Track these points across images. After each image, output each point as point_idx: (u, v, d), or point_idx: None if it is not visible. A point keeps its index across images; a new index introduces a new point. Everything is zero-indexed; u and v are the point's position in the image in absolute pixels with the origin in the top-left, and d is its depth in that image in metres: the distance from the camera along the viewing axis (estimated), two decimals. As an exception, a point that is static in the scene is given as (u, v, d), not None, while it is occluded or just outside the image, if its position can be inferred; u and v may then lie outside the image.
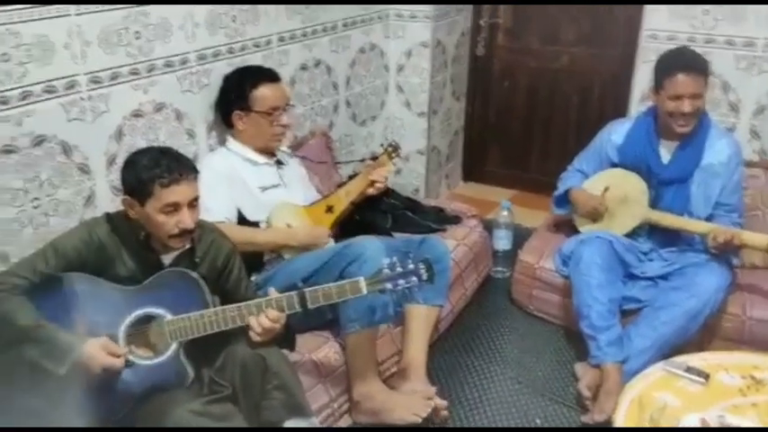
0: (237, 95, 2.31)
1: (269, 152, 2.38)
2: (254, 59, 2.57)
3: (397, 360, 2.34)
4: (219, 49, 2.43)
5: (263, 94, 2.30)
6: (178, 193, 1.68)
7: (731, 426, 1.61)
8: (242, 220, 2.24)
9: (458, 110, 3.98)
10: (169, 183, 1.66)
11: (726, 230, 2.30)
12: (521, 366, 2.49)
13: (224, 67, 2.43)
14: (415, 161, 3.69)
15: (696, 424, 1.60)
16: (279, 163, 2.43)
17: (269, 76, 2.35)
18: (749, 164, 2.78)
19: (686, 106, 2.32)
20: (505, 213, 3.08)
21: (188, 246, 1.79)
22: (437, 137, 3.76)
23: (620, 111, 3.18)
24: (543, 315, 2.77)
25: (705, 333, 2.37)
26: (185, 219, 1.69)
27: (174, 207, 1.68)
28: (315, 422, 1.84)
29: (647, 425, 1.60)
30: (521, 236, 3.06)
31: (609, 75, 3.59)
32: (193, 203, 1.72)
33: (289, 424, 1.75)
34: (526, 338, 2.66)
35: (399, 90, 3.57)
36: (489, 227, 3.10)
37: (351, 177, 2.66)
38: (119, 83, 2.09)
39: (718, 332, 2.41)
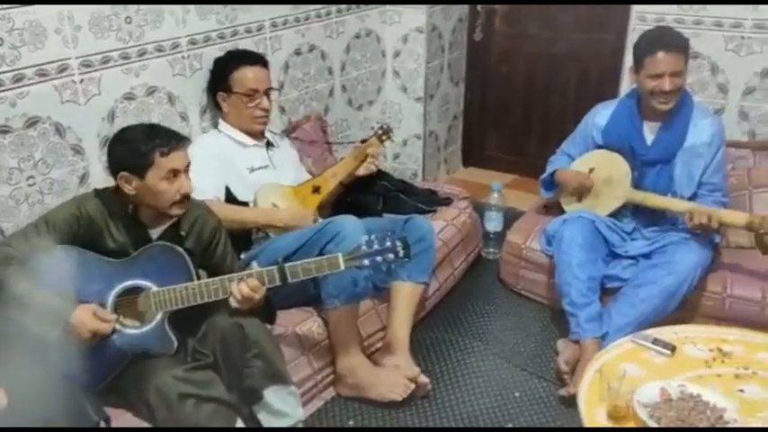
0: (220, 77, 2.40)
1: (255, 134, 2.45)
2: (246, 45, 2.65)
3: (383, 336, 2.41)
4: (210, 35, 2.50)
5: (243, 75, 2.37)
6: (177, 159, 1.80)
7: (692, 394, 1.65)
8: (231, 200, 2.32)
9: (456, 95, 4.03)
10: (169, 151, 1.78)
11: (703, 210, 2.33)
12: (504, 343, 2.55)
13: (216, 52, 2.51)
14: (413, 146, 3.75)
15: (655, 392, 1.65)
16: (269, 145, 2.50)
17: (250, 58, 2.41)
18: (738, 144, 2.81)
19: (667, 84, 2.34)
20: (496, 196, 3.14)
21: (175, 219, 1.87)
22: (434, 122, 3.81)
23: (617, 94, 3.21)
24: (530, 294, 2.82)
25: (686, 311, 2.41)
26: (185, 184, 1.82)
27: (175, 173, 1.79)
28: (294, 390, 1.92)
29: (606, 394, 1.65)
30: (514, 219, 3.10)
31: (606, 59, 3.61)
32: (188, 170, 1.84)
33: (268, 391, 1.84)
34: (512, 317, 2.72)
35: (396, 75, 3.63)
36: (481, 211, 3.16)
37: (345, 160, 2.72)
38: (110, 67, 2.17)
39: (699, 310, 2.45)
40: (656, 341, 1.90)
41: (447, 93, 3.88)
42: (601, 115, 2.65)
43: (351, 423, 2.15)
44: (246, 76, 2.38)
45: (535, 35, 3.84)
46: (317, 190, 2.44)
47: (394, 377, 2.22)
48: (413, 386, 2.20)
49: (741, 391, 1.72)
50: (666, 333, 1.97)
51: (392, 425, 2.14)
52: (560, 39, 3.76)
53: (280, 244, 2.19)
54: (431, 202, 2.95)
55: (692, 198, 2.48)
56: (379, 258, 1.86)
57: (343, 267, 1.85)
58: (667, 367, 1.82)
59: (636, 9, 2.99)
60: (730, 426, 1.55)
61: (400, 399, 2.18)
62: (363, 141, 2.57)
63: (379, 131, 2.59)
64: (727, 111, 2.91)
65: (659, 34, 2.44)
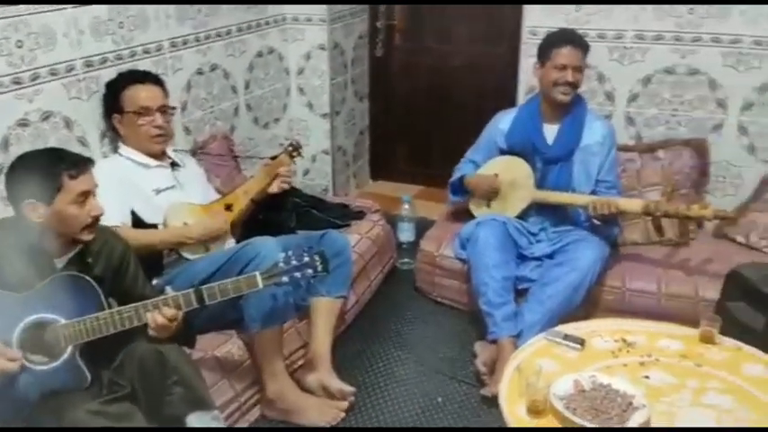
0: (112, 98, 2.34)
1: (156, 154, 2.38)
2: (145, 65, 2.58)
3: (304, 353, 2.41)
4: (107, 56, 2.43)
5: (133, 94, 2.31)
6: (86, 181, 1.75)
7: (603, 384, 1.75)
8: (138, 224, 2.25)
9: (361, 110, 4.08)
10: (78, 173, 1.72)
11: (604, 200, 2.50)
12: (424, 350, 2.61)
13: (114, 74, 2.43)
14: (322, 161, 3.77)
15: (570, 384, 1.74)
16: (174, 165, 2.44)
17: (140, 77, 2.36)
18: (626, 148, 3.01)
19: (570, 76, 2.54)
20: (407, 207, 3.21)
21: (81, 247, 1.80)
22: (341, 137, 3.85)
23: (513, 104, 3.35)
24: (446, 301, 2.90)
25: (589, 305, 2.55)
26: (95, 206, 1.76)
27: (85, 196, 1.73)
28: (218, 415, 1.87)
29: (525, 390, 1.73)
30: (426, 228, 3.17)
31: (501, 70, 3.77)
32: (95, 192, 1.79)
33: (191, 418, 1.78)
34: (430, 324, 2.78)
35: (301, 92, 3.64)
36: (393, 222, 3.22)
37: (254, 178, 2.70)
38: (1, 93, 2.06)
39: (601, 304, 2.60)
40: (566, 337, 2.00)
41: (352, 108, 3.93)
42: (503, 121, 2.79)
43: (277, 443, 2.13)
44: (137, 94, 2.32)
45: (433, 49, 3.97)
46: (229, 207, 2.41)
47: (324, 404, 2.25)
48: (342, 414, 2.23)
49: (646, 377, 1.84)
50: (575, 329, 2.08)
51: (319, 440, 2.15)
52: (457, 52, 3.91)
53: (195, 268, 2.15)
54: (344, 216, 2.98)
55: (591, 195, 2.64)
56: (297, 274, 1.86)
57: (261, 286, 1.83)
58: (579, 360, 1.92)
59: (527, 24, 3.14)
60: (640, 411, 1.65)
61: (329, 426, 2.20)
62: (274, 158, 2.56)
63: (290, 148, 2.60)
64: (615, 116, 3.11)
65: (566, 31, 2.67)
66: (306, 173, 3.77)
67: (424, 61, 4.01)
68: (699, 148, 2.96)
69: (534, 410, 1.70)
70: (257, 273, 1.83)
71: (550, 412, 1.69)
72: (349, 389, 2.26)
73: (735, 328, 2.10)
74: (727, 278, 2.38)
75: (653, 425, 1.65)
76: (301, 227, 2.79)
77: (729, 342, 2.00)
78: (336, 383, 2.27)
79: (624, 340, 2.01)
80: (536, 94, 2.74)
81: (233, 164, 3.02)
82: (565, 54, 2.54)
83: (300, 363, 2.40)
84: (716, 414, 1.70)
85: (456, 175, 2.87)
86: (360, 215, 3.04)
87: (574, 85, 2.57)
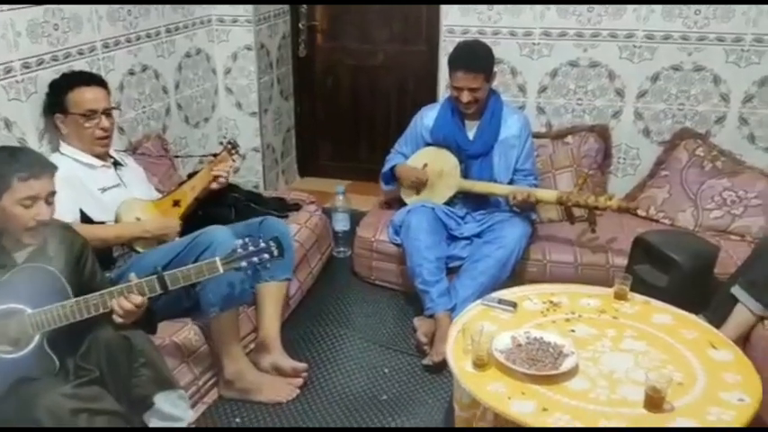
0: (56, 99, 2.36)
1: (100, 155, 2.42)
2: (80, 66, 2.61)
3: (255, 337, 2.52)
4: (43, 58, 2.45)
5: (79, 96, 2.34)
6: (37, 187, 1.75)
7: (536, 338, 1.97)
8: (87, 222, 2.29)
9: (287, 108, 4.20)
10: (28, 177, 1.73)
11: (522, 190, 2.74)
12: (367, 328, 2.78)
13: (51, 75, 2.45)
14: (252, 159, 3.86)
15: (508, 340, 1.95)
16: (117, 164, 2.49)
17: (85, 79, 2.40)
18: (539, 135, 3.28)
19: (464, 96, 2.77)
20: (341, 197, 3.36)
21: (40, 243, 1.84)
22: (270, 135, 3.96)
23: (433, 100, 3.57)
24: (384, 283, 3.08)
25: (516, 278, 2.78)
26: (42, 211, 1.76)
27: (32, 200, 1.74)
28: (183, 394, 1.97)
29: (470, 348, 1.92)
30: (358, 219, 3.33)
31: (421, 68, 3.99)
32: (50, 199, 1.79)
33: (158, 397, 1.87)
34: (370, 305, 2.95)
35: (229, 92, 3.72)
36: (328, 213, 3.36)
37: (190, 176, 2.77)
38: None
39: (526, 276, 2.85)
40: (501, 301, 2.22)
41: (279, 107, 4.05)
42: (428, 117, 3.00)
43: (238, 420, 2.24)
44: (83, 96, 2.35)
45: (355, 49, 4.14)
46: (177, 203, 2.49)
47: (279, 382, 2.37)
48: (298, 391, 2.36)
49: (572, 330, 2.08)
50: (508, 294, 2.30)
51: (277, 415, 2.26)
52: (378, 51, 4.10)
53: (150, 259, 2.21)
54: (282, 208, 3.10)
55: (510, 183, 2.89)
56: (255, 259, 1.97)
57: (222, 271, 1.93)
58: (513, 321, 2.13)
59: (444, 23, 3.37)
60: (569, 358, 1.88)
61: (285, 401, 2.32)
62: (215, 155, 2.65)
63: (228, 146, 2.69)
64: (528, 107, 3.39)
65: (461, 54, 2.81)
66: (236, 171, 3.84)
67: (346, 60, 4.18)
68: (602, 133, 3.28)
69: (479, 364, 1.90)
70: (217, 258, 1.94)
71: (494, 365, 1.89)
72: (301, 366, 2.39)
73: (642, 288, 2.39)
74: (633, 244, 2.68)
75: (581, 369, 1.88)
76: (241, 220, 2.87)
77: (639, 297, 2.27)
78: (289, 362, 2.40)
79: (551, 302, 2.25)
80: None
81: (168, 163, 3.08)
82: (460, 78, 2.75)
83: (251, 347, 2.51)
84: (633, 356, 1.95)
85: (387, 166, 3.06)
86: (296, 207, 3.16)
87: (471, 103, 2.79)
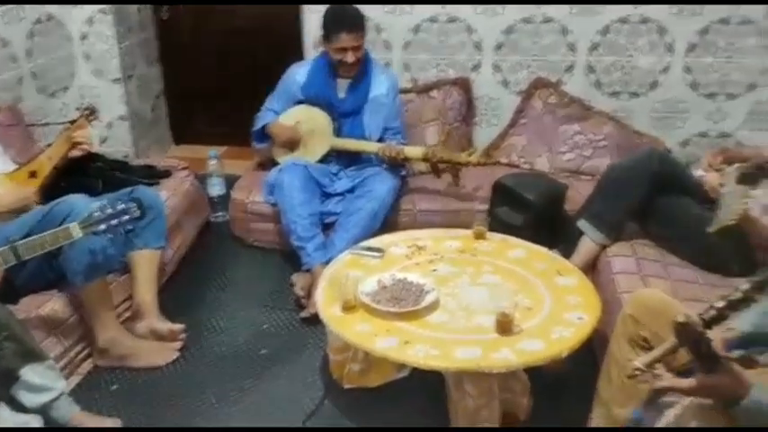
0: None
1: None
2: None
3: (130, 305, 2.49)
4: None
5: None
6: None
7: (400, 279, 2.09)
8: (-65, 197, 2.18)
9: (155, 74, 4.08)
10: None
11: (392, 148, 2.86)
12: (246, 287, 2.83)
13: None
14: (119, 128, 3.74)
15: (374, 284, 2.06)
16: (-35, 138, 2.37)
17: None
18: (405, 90, 3.39)
19: (350, 57, 2.84)
20: (214, 162, 3.34)
21: None
22: (137, 102, 3.84)
23: (299, 57, 3.58)
24: (263, 244, 3.11)
25: (388, 228, 2.89)
26: None
27: None
28: (52, 364, 1.95)
29: (339, 296, 2.01)
30: (233, 183, 3.31)
31: (285, 27, 3.93)
32: None
33: (25, 369, 1.85)
34: (250, 266, 2.99)
35: (87, 58, 3.57)
36: (202, 179, 3.33)
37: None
38: None
39: (398, 226, 2.95)
40: (369, 249, 2.32)
41: (145, 73, 3.92)
42: (299, 74, 3.03)
43: (115, 387, 2.23)
44: None
45: (218, 10, 4.04)
46: (33, 174, 2.40)
47: (158, 345, 2.37)
48: (177, 353, 2.37)
49: (435, 270, 2.22)
50: (376, 242, 2.41)
51: (157, 380, 2.28)
52: (242, 12, 4.02)
53: (6, 232, 2.12)
54: (151, 176, 3.04)
55: (380, 141, 2.99)
56: (114, 222, 1.96)
57: (80, 235, 1.91)
58: (381, 266, 2.25)
59: (306, -20, 3.38)
60: (430, 294, 2.01)
61: (164, 364, 2.33)
62: (72, 122, 2.56)
63: (86, 112, 2.62)
64: (394, 63, 3.48)
65: (344, 15, 2.86)
66: (104, 140, 3.72)
67: (210, 23, 4.09)
68: (464, 86, 3.44)
69: (347, 308, 1.99)
70: (74, 223, 1.91)
71: (361, 307, 2.00)
72: (178, 327, 2.41)
73: (502, 228, 2.57)
74: (493, 189, 2.86)
75: (441, 304, 2.02)
76: (108, 191, 2.79)
77: (497, 236, 2.45)
78: (165, 325, 2.41)
79: (416, 246, 2.38)
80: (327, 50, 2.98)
81: (26, 134, 2.94)
82: (344, 39, 2.81)
83: (127, 315, 2.49)
84: (488, 289, 2.11)
85: (259, 124, 3.08)
86: (166, 174, 3.11)
87: (356, 63, 2.86)
